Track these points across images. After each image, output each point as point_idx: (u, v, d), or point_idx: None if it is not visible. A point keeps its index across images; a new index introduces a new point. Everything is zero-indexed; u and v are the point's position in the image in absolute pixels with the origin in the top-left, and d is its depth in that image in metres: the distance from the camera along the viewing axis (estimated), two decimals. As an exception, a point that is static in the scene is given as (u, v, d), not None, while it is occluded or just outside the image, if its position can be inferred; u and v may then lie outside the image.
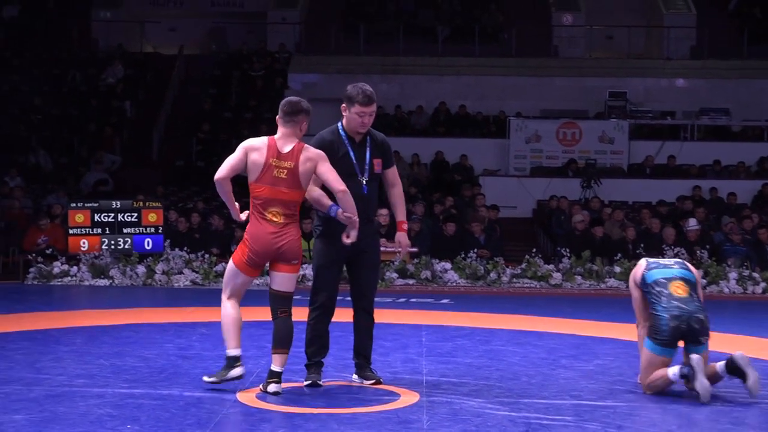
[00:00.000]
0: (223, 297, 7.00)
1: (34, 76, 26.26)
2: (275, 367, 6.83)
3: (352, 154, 7.04)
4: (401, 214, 7.28)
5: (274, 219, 6.76)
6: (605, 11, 30.04)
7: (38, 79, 26.22)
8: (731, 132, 25.39)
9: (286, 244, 6.75)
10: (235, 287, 6.96)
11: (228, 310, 6.93)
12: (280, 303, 6.91)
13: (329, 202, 6.80)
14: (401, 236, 7.26)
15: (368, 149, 7.10)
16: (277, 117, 6.83)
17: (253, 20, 30.34)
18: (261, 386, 6.88)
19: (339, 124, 7.16)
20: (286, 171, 6.70)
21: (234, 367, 6.83)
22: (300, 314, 11.27)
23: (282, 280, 6.85)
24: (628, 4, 30.60)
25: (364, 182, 7.04)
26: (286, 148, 6.72)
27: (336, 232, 6.91)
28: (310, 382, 7.06)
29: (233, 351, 6.89)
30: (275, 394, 6.74)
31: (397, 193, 7.28)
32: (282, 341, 6.86)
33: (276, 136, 6.78)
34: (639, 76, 26.47)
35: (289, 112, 6.78)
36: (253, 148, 6.74)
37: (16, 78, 26.11)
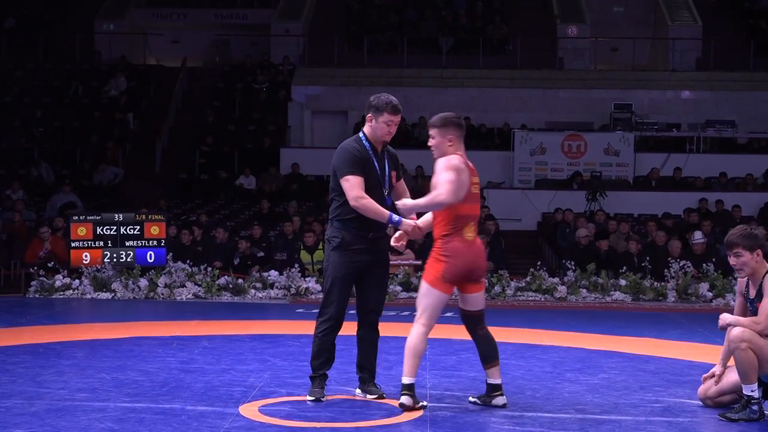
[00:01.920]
0: (421, 322, 6.84)
1: (35, 88, 26.28)
2: (495, 380, 6.92)
3: (376, 164, 7.00)
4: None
5: (470, 235, 6.77)
6: (610, 23, 30.09)
7: (40, 91, 26.23)
8: (737, 144, 25.34)
9: (483, 261, 6.90)
10: (435, 310, 6.87)
11: (423, 339, 6.84)
12: (480, 321, 6.94)
13: (386, 211, 6.85)
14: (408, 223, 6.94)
15: (387, 160, 7.10)
16: (454, 136, 6.81)
17: (257, 32, 30.38)
18: (480, 400, 6.97)
19: (361, 134, 7.08)
20: (477, 186, 6.86)
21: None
22: (302, 327, 11.22)
23: (477, 299, 6.92)
24: (634, 16, 30.63)
25: (387, 193, 7.02)
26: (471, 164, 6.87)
27: (352, 244, 6.91)
28: (314, 398, 6.98)
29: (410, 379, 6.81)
30: (503, 406, 6.85)
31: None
32: (493, 355, 6.94)
33: (460, 154, 6.82)
34: (644, 88, 26.44)
35: (461, 127, 6.90)
36: (462, 169, 6.73)
37: (18, 90, 26.12)
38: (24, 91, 26.08)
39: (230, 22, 31.55)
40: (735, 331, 6.66)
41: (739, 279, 7.02)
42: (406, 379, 6.74)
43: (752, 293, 6.87)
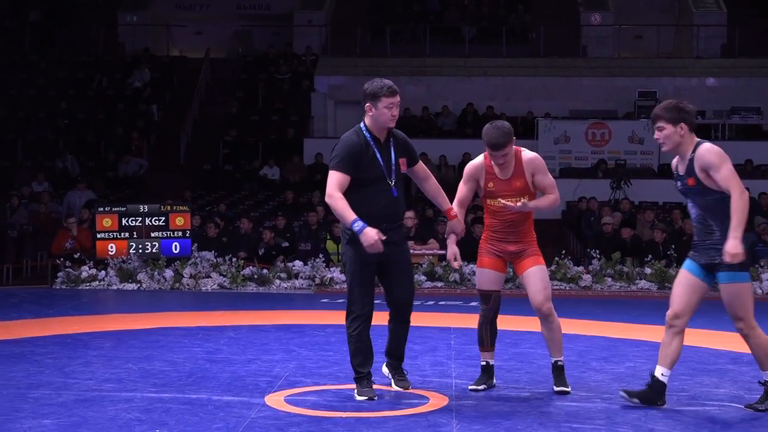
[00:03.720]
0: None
1: (60, 81, 26.40)
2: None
3: (379, 156, 6.79)
4: (445, 202, 7.10)
5: None
6: (634, 10, 29.90)
7: (64, 83, 26.35)
8: (763, 131, 25.15)
9: None
10: None
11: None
12: None
13: (353, 215, 6.60)
14: (456, 224, 7.03)
15: (392, 149, 6.87)
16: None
17: (279, 23, 30.37)
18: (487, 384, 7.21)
19: (362, 125, 6.90)
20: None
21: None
22: (327, 317, 11.25)
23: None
24: (657, 3, 30.43)
25: (392, 184, 6.80)
26: None
27: None
28: (366, 397, 6.75)
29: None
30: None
31: (433, 185, 7.10)
32: None
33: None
34: (668, 75, 26.30)
35: None
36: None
37: (43, 82, 26.24)
38: (48, 84, 26.21)
39: (253, 13, 31.54)
40: (738, 324, 6.48)
41: (672, 164, 6.83)
42: (560, 362, 7.10)
43: (681, 170, 6.65)
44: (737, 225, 6.31)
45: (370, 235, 6.47)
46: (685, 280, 6.57)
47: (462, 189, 7.16)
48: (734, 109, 24.45)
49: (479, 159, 7.06)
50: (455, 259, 7.12)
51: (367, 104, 6.81)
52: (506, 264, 7.21)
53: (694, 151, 6.56)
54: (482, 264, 7.14)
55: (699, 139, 6.64)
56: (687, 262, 6.63)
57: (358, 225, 6.51)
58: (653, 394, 6.60)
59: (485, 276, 7.12)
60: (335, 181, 6.68)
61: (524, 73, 26.43)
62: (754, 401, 6.64)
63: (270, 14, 31.33)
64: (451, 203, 7.13)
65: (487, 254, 7.12)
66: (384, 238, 6.54)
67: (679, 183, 6.67)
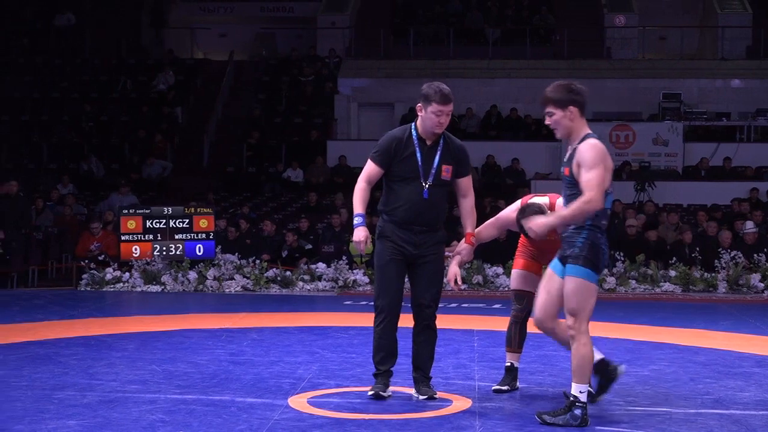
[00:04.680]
0: None
1: (83, 83, 26.52)
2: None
3: (419, 155, 6.78)
4: (470, 226, 6.99)
5: None
6: (658, 12, 29.78)
7: (88, 85, 26.47)
8: (789, 133, 25.02)
9: None
10: None
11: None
12: None
13: (359, 208, 6.75)
14: (467, 251, 7.00)
15: (439, 153, 6.84)
16: None
17: (303, 25, 30.44)
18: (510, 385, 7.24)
19: (413, 124, 6.92)
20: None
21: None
22: (350, 319, 11.25)
23: None
24: (682, 4, 30.30)
25: (426, 187, 6.75)
26: None
27: (392, 235, 6.78)
28: (372, 393, 6.79)
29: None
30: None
31: (467, 204, 6.99)
32: None
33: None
34: (693, 77, 26.15)
35: None
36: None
37: (67, 85, 26.37)
38: (72, 87, 26.34)
39: (276, 15, 31.61)
40: (566, 322, 6.21)
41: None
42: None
43: (566, 157, 6.30)
44: (561, 216, 6.08)
45: (358, 235, 6.71)
46: (545, 277, 6.47)
47: (502, 216, 7.21)
48: (759, 110, 24.32)
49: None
50: (456, 282, 7.05)
51: (419, 104, 6.83)
52: (541, 267, 7.19)
53: (581, 141, 6.15)
54: (518, 265, 7.25)
55: (589, 132, 6.18)
56: (553, 261, 6.42)
57: (357, 220, 6.74)
58: (604, 377, 6.57)
59: (520, 277, 7.20)
60: (366, 171, 6.87)
61: (548, 75, 26.30)
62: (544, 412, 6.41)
63: (293, 17, 31.40)
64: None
65: (523, 256, 7.24)
66: (369, 245, 6.78)
67: (562, 169, 6.39)
